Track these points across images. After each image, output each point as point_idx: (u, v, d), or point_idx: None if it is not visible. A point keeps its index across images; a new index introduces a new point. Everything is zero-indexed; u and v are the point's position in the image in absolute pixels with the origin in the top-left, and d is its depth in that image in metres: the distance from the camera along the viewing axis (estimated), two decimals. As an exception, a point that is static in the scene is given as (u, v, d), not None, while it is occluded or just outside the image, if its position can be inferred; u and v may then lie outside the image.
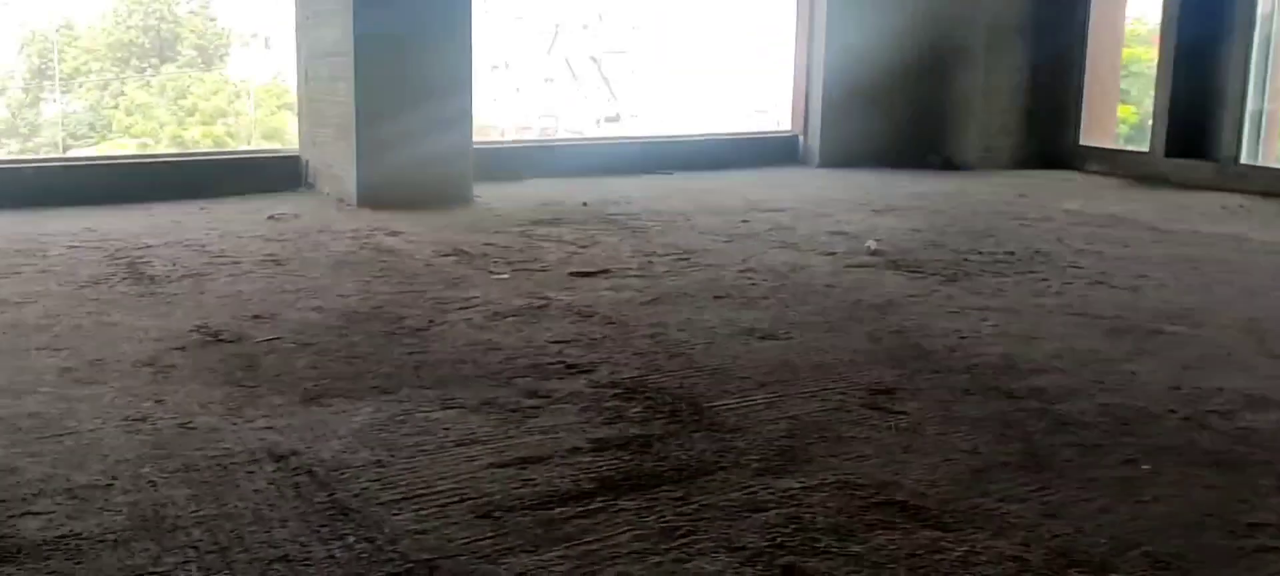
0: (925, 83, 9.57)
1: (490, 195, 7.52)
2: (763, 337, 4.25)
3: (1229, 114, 8.38)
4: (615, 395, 3.54)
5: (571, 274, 5.27)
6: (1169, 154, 8.71)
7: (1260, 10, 8.22)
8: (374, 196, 7.07)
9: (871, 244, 5.93)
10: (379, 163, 7.11)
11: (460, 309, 4.61)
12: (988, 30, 9.32)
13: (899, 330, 4.38)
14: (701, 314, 4.57)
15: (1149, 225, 6.83)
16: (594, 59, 23.86)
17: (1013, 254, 5.87)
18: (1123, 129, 11.49)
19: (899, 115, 9.57)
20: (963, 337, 4.28)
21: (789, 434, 3.22)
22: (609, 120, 24.14)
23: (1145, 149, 8.96)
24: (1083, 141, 9.47)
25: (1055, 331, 4.40)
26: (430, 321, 4.40)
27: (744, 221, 6.74)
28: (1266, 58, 8.30)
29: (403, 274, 5.25)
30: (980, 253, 5.91)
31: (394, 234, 6.22)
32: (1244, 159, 8.35)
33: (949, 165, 9.48)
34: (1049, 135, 9.60)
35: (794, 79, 9.73)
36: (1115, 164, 9.17)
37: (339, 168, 7.34)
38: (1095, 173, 9.21)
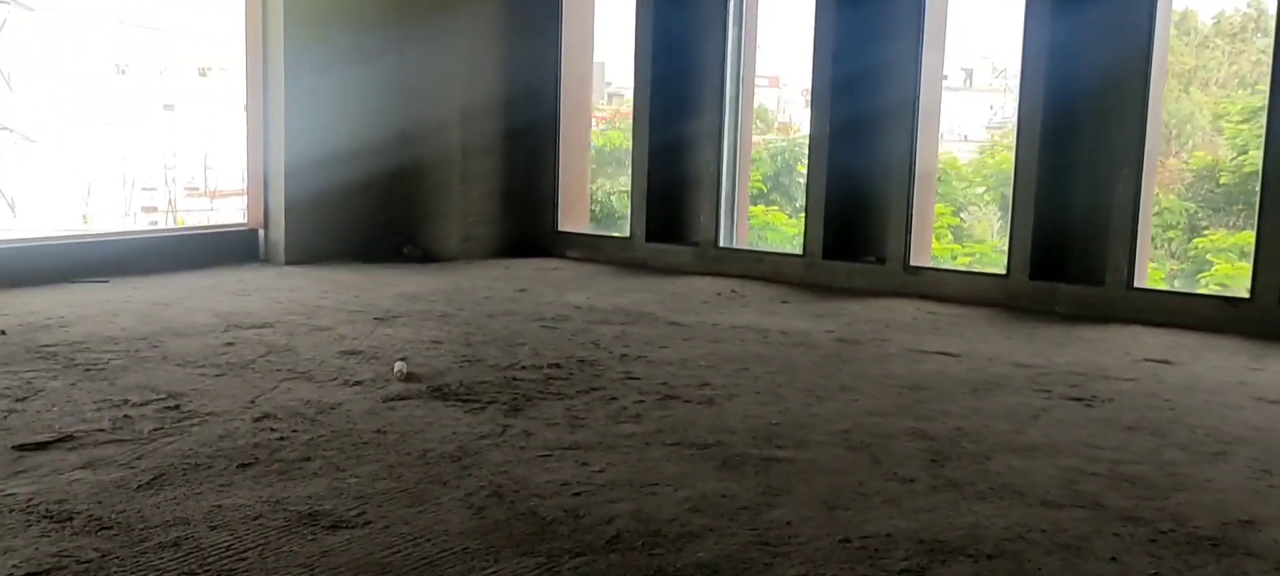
0: (398, 170, 8.75)
1: None
2: (331, 526, 3.16)
3: (706, 197, 8.42)
4: (157, 674, 2.31)
5: (15, 447, 3.76)
6: (649, 239, 8.60)
7: (728, 90, 8.35)
8: None
9: (401, 367, 4.97)
10: None
11: None
12: (462, 112, 8.69)
13: (496, 491, 3.49)
14: (231, 496, 3.36)
15: (666, 319, 6.50)
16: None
17: (559, 366, 5.20)
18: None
19: (372, 205, 8.66)
20: (576, 494, 3.48)
21: None
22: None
23: (626, 234, 8.79)
24: (561, 227, 9.14)
25: (668, 471, 3.74)
26: None
27: (229, 344, 5.45)
28: (736, 139, 8.44)
29: None
30: (524, 366, 5.17)
31: None
32: (722, 242, 8.41)
33: (428, 257, 8.71)
34: (527, 222, 9.17)
35: (249, 169, 8.43)
36: (596, 249, 8.92)
37: None
38: (577, 259, 8.89)
